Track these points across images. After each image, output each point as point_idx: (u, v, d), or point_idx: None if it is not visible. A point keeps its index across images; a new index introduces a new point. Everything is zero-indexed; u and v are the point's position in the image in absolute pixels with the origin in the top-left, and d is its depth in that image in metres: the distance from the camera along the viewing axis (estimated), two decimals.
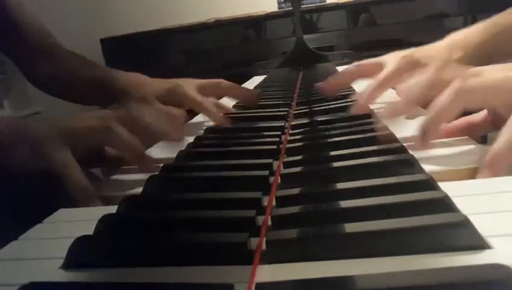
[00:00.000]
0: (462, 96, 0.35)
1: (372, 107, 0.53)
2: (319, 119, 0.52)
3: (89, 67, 0.78)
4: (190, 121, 0.70)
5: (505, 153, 0.30)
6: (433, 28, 1.57)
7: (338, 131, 0.44)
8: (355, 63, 0.64)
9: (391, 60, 0.57)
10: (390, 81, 0.53)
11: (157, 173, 0.38)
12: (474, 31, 0.58)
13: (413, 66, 0.53)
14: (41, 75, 0.79)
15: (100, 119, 0.40)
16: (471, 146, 0.38)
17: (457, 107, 0.35)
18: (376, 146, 0.36)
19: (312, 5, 1.77)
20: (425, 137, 0.36)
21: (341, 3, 1.72)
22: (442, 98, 0.35)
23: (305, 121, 0.52)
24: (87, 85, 0.77)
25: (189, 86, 0.67)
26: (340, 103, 0.59)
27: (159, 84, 0.70)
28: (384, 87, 0.53)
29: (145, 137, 0.44)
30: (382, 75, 0.53)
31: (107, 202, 0.36)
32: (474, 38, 0.57)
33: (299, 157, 0.37)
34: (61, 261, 0.24)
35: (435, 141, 0.38)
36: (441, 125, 0.37)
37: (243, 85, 1.09)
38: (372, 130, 0.41)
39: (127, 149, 0.40)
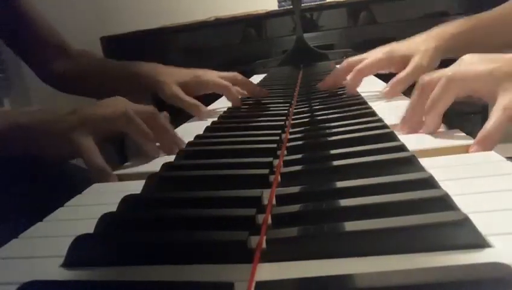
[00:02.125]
0: (455, 84, 0.40)
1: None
2: (319, 117, 0.52)
3: (104, 63, 0.84)
4: (189, 120, 0.70)
5: (495, 132, 0.36)
6: (433, 27, 1.57)
7: (338, 129, 0.44)
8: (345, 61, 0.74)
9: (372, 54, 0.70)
10: (370, 69, 0.68)
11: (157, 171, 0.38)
12: (452, 24, 0.68)
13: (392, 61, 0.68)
14: (56, 73, 0.83)
15: (119, 109, 0.46)
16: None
17: (453, 94, 0.40)
18: (376, 144, 0.36)
19: (312, 3, 1.76)
20: (426, 123, 0.42)
21: (341, 1, 1.72)
22: (437, 89, 0.41)
23: (306, 119, 0.52)
24: (103, 79, 0.81)
25: (211, 73, 0.77)
26: (340, 101, 0.59)
27: (180, 72, 0.78)
28: (364, 74, 0.68)
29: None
30: (362, 63, 0.68)
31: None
32: (451, 29, 0.67)
33: (299, 155, 0.37)
34: (62, 260, 0.24)
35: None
36: (441, 113, 0.42)
37: None
38: (372, 129, 0.41)
39: (141, 135, 0.46)
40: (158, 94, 0.75)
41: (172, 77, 0.76)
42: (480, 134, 0.36)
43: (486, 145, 0.36)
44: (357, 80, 0.67)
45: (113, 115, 0.46)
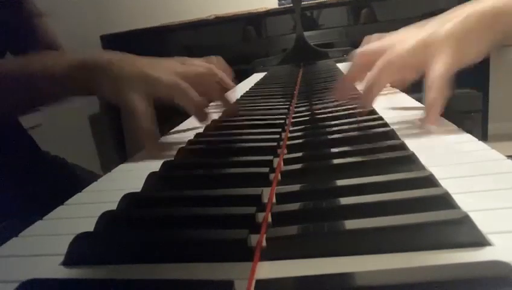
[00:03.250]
0: (391, 68, 0.43)
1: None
2: (319, 116, 0.52)
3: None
4: (189, 119, 0.70)
5: (434, 102, 0.40)
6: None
7: (338, 128, 0.44)
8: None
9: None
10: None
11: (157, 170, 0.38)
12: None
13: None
14: None
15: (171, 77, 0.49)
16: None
17: (385, 80, 0.45)
18: (376, 143, 0.36)
19: (312, 1, 1.76)
20: (365, 100, 0.46)
21: (341, 0, 1.72)
22: (372, 72, 0.44)
23: (306, 117, 0.52)
24: None
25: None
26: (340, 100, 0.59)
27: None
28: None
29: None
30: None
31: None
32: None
33: (300, 154, 0.37)
34: (62, 258, 0.24)
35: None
36: (378, 90, 0.45)
37: (243, 82, 1.10)
38: (372, 127, 0.41)
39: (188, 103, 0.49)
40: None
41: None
42: (427, 106, 0.40)
43: (435, 114, 0.40)
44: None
45: (159, 81, 0.48)
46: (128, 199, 0.31)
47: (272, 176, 0.33)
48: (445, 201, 0.24)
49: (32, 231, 0.30)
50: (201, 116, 0.51)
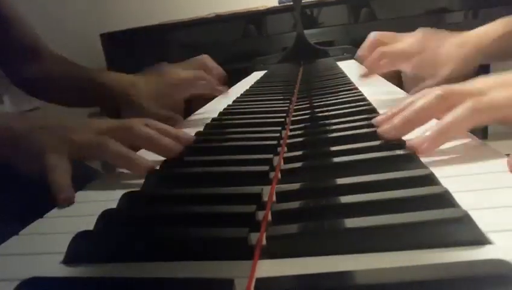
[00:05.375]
0: (475, 115, 0.34)
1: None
2: (319, 114, 0.52)
3: (75, 70, 0.78)
4: (190, 117, 0.70)
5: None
6: (434, 23, 1.57)
7: (338, 126, 0.44)
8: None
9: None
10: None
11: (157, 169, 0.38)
12: (491, 28, 0.60)
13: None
14: (27, 78, 0.77)
15: (97, 134, 0.41)
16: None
17: (469, 124, 0.35)
18: (376, 141, 0.36)
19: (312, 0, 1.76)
20: (432, 143, 0.34)
21: None
22: (457, 113, 0.34)
23: (306, 116, 0.52)
24: (72, 87, 0.77)
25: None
26: (340, 98, 0.59)
27: (150, 87, 0.72)
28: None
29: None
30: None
31: None
32: (491, 34, 0.59)
33: (300, 152, 0.37)
34: (62, 256, 0.24)
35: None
36: (449, 137, 0.36)
37: (243, 81, 1.09)
38: (373, 126, 0.41)
39: (120, 162, 0.40)
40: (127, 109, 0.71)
41: (144, 92, 0.71)
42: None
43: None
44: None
45: (86, 143, 0.40)
46: (129, 197, 0.31)
47: (272, 174, 0.33)
48: (445, 199, 0.24)
49: (33, 229, 0.30)
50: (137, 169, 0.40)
